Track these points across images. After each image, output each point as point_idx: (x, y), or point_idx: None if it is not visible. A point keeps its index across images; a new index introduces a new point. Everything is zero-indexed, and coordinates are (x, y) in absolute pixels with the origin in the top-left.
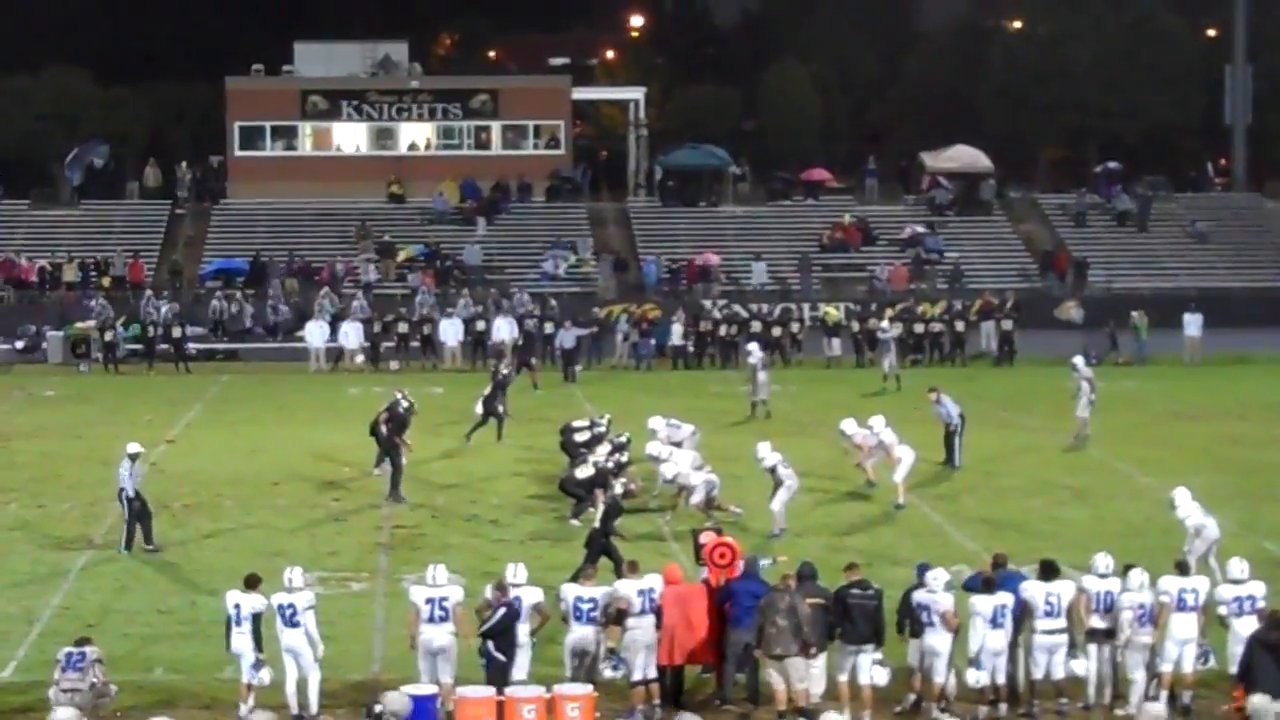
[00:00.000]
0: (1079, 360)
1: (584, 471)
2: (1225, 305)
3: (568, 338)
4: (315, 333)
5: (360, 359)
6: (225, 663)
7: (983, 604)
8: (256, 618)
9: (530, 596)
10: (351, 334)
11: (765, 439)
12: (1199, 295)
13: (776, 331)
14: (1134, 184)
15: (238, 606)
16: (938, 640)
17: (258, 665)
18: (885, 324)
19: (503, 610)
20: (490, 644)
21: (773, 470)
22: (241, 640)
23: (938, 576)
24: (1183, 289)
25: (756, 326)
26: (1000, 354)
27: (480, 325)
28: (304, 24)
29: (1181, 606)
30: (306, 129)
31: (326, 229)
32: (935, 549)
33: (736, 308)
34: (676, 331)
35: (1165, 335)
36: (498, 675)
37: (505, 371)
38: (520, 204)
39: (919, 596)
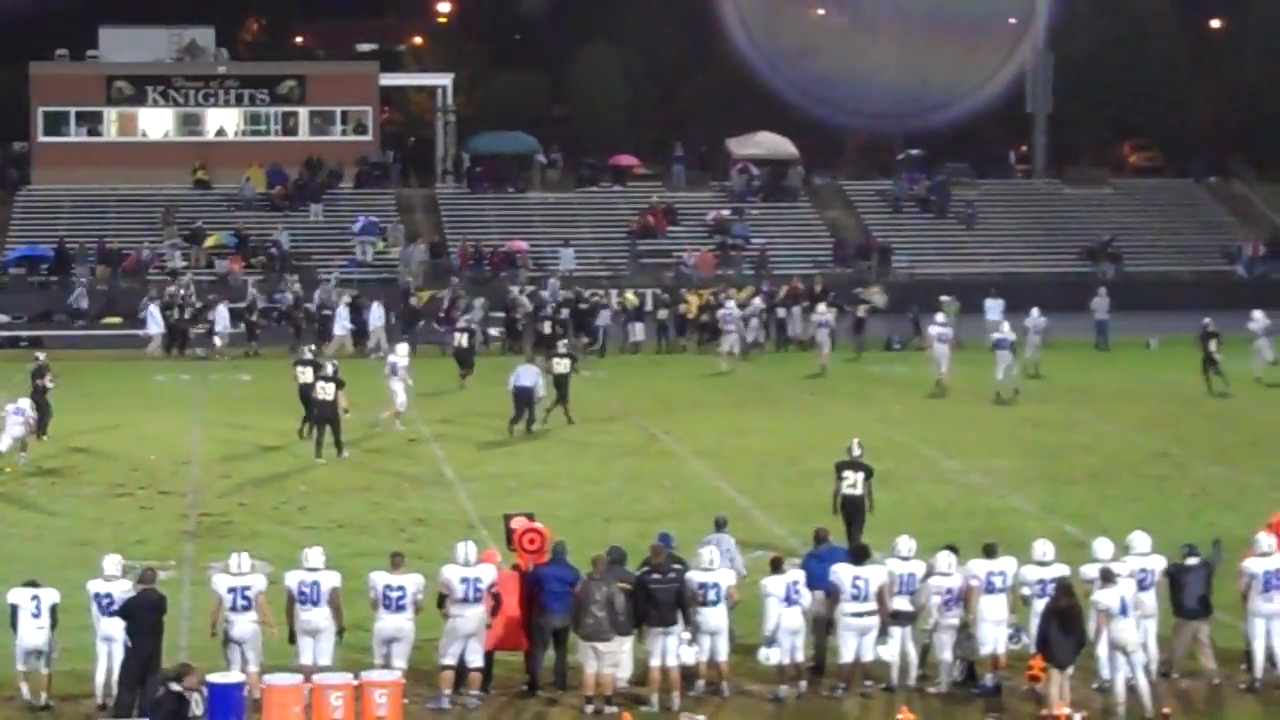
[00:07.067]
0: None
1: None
2: (1026, 290)
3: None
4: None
5: (154, 347)
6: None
7: (774, 584)
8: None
9: (328, 581)
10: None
11: None
12: (1001, 280)
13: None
14: (937, 171)
15: (53, 606)
16: (718, 618)
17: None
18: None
19: None
20: None
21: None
22: (41, 633)
23: (708, 554)
24: (985, 274)
25: (565, 312)
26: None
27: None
28: (109, 8)
29: (990, 589)
30: (112, 114)
31: (133, 215)
32: (741, 533)
33: (544, 293)
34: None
35: (967, 320)
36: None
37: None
38: (329, 190)
39: (700, 577)
